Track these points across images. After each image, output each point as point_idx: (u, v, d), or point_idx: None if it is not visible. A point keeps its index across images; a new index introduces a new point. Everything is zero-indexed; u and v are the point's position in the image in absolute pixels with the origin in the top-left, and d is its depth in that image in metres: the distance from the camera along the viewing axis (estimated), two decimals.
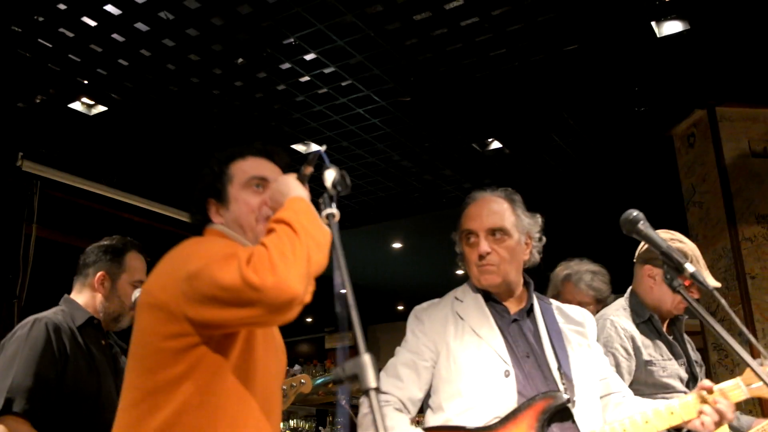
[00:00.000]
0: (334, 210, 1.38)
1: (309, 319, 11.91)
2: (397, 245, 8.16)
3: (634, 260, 2.57)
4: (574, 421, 1.85)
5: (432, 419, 1.93)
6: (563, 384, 1.89)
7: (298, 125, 5.17)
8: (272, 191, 1.60)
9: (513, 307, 2.04)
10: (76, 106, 4.66)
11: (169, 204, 6.38)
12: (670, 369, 2.43)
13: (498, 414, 1.84)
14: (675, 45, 4.11)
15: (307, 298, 1.38)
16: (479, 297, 2.06)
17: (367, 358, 1.14)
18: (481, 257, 2.01)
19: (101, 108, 4.73)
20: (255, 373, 1.48)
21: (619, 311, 2.52)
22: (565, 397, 1.85)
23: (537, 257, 2.07)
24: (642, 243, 2.44)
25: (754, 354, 1.86)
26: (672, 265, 1.81)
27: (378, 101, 4.85)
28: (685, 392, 2.31)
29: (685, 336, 2.59)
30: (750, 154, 4.66)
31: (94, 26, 3.89)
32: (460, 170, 6.14)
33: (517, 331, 2.01)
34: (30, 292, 4.96)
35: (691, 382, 2.45)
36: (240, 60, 4.25)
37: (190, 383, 1.40)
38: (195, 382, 1.41)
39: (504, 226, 2.00)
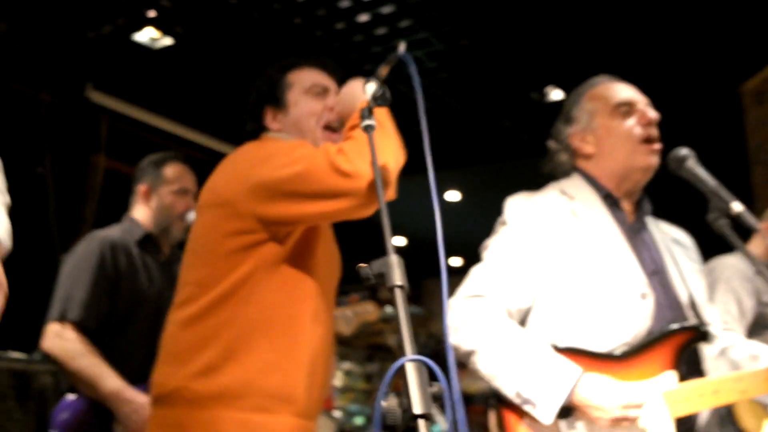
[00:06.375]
0: (373, 122, 1.38)
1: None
2: (452, 197, 8.12)
3: None
4: (701, 361, 1.63)
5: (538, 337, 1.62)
6: (693, 313, 1.65)
7: (356, 66, 5.17)
8: (341, 97, 1.61)
9: (630, 213, 1.74)
10: (142, 37, 4.76)
11: (232, 142, 6.50)
12: None
13: (626, 341, 1.57)
14: None
15: (392, 193, 1.42)
16: (595, 196, 1.72)
17: (394, 258, 1.17)
18: (650, 124, 1.70)
19: (167, 41, 4.82)
20: (314, 275, 1.51)
21: (736, 256, 2.53)
22: (706, 330, 1.58)
23: None
24: None
25: None
26: (719, 204, 1.76)
27: (436, 45, 4.80)
28: None
29: None
30: None
31: None
32: (518, 121, 6.04)
33: (641, 243, 1.71)
34: (100, 222, 5.16)
35: None
36: None
37: (252, 281, 1.44)
38: (256, 279, 1.44)
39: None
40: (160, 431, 1.43)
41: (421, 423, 0.95)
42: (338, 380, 3.81)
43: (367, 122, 1.37)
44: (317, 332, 1.51)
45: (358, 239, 3.70)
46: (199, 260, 1.50)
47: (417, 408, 0.96)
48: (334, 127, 1.69)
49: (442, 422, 3.40)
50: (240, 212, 1.44)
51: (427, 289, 11.53)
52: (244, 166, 1.50)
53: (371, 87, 1.50)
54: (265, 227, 1.44)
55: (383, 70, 1.60)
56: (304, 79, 1.73)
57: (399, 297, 1.13)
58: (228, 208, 1.45)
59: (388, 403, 1.00)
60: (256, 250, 1.44)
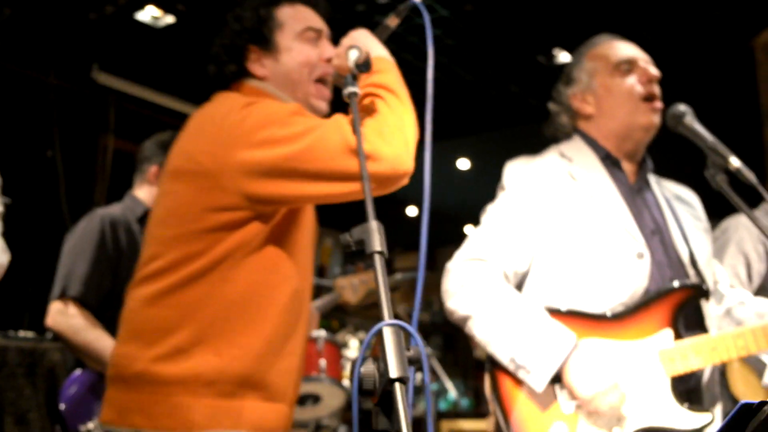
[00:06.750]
0: (356, 89, 1.33)
1: None
2: (462, 164, 8.07)
3: None
4: (703, 318, 1.62)
5: (534, 300, 1.62)
6: (694, 272, 1.64)
7: None
8: (342, 51, 1.47)
9: (631, 174, 1.75)
10: (144, 16, 4.74)
11: None
12: None
13: (622, 301, 1.57)
14: None
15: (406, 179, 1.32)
16: (595, 157, 1.73)
17: (374, 224, 1.16)
18: (651, 82, 1.70)
19: (169, 18, 4.80)
20: (295, 254, 1.42)
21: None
22: (706, 288, 1.58)
23: None
24: None
25: None
26: (717, 160, 1.73)
27: (440, 11, 4.73)
28: None
29: None
30: None
31: None
32: (526, 86, 5.95)
33: (641, 203, 1.72)
34: (110, 202, 5.21)
35: None
36: None
37: (231, 260, 1.31)
38: (235, 259, 1.32)
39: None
40: (117, 414, 1.31)
41: (398, 386, 0.96)
42: (353, 351, 3.85)
43: (351, 89, 1.33)
44: (295, 314, 1.40)
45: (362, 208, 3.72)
46: (170, 233, 1.34)
47: (393, 372, 0.96)
48: (327, 82, 1.57)
49: (452, 390, 3.44)
50: (225, 187, 1.27)
51: (441, 257, 11.56)
52: (228, 130, 1.31)
53: (354, 54, 1.49)
54: (252, 205, 1.29)
55: (393, 20, 1.54)
56: (296, 20, 1.54)
57: (378, 263, 1.14)
58: (210, 180, 1.29)
59: (366, 368, 1.01)
60: (238, 229, 1.31)
